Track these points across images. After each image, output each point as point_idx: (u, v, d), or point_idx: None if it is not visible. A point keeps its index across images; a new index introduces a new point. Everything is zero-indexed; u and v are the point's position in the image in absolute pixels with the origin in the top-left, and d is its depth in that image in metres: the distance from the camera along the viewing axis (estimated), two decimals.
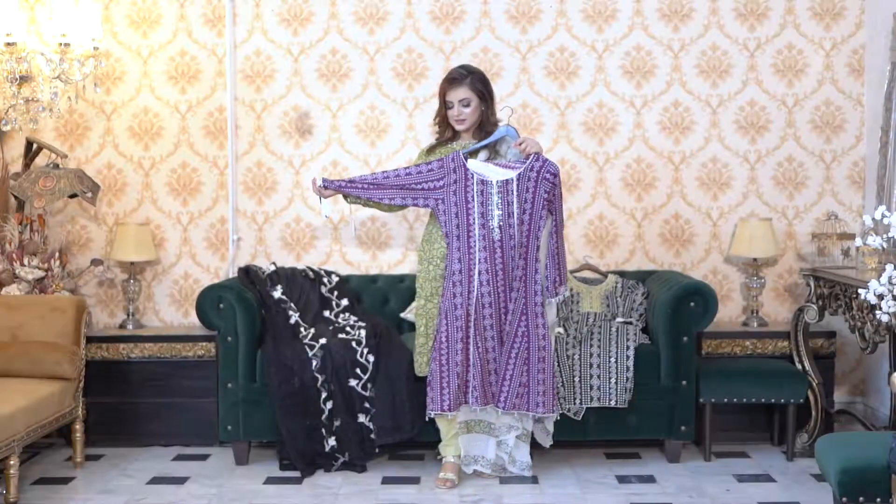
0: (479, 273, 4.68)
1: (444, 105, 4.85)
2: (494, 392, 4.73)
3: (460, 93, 4.80)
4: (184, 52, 5.95)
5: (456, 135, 4.91)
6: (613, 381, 4.98)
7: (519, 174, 4.69)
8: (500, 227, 4.68)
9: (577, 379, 4.99)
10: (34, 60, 5.36)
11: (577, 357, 5.01)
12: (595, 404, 4.99)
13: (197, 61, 5.96)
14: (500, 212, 4.68)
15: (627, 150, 5.94)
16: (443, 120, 4.91)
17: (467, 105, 4.81)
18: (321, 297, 5.56)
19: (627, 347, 5.02)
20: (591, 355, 5.02)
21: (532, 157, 4.71)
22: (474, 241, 4.70)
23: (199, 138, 5.98)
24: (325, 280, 5.64)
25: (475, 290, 4.68)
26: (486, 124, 4.86)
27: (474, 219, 4.70)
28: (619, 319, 5.33)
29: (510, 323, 4.70)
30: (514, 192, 4.68)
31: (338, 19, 5.95)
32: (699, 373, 5.14)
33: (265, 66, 5.96)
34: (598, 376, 5.00)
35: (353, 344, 5.10)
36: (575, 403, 4.98)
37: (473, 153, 4.82)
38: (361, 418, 5.03)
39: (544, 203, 4.70)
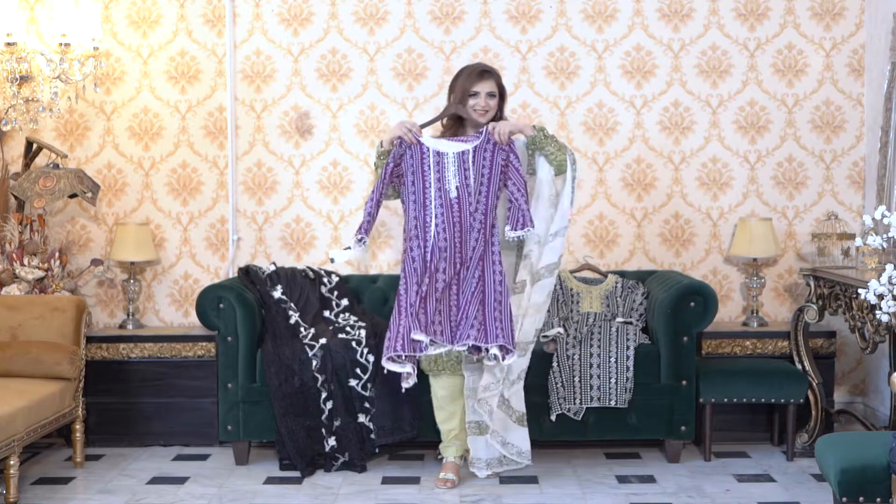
0: (436, 225, 4.67)
1: (467, 96, 4.78)
2: (444, 331, 4.61)
3: (489, 85, 4.79)
4: (184, 52, 5.96)
5: (458, 131, 4.88)
6: (613, 381, 4.98)
7: (475, 146, 4.71)
8: (457, 188, 4.70)
9: (576, 379, 4.99)
10: (34, 60, 5.36)
11: (577, 357, 5.01)
12: (595, 404, 4.99)
13: (197, 61, 5.96)
14: (457, 180, 4.70)
15: (627, 150, 5.94)
16: (452, 117, 4.86)
17: (493, 97, 4.81)
18: (321, 297, 5.56)
19: (627, 347, 5.02)
20: (591, 355, 5.02)
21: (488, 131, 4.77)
22: (430, 200, 4.69)
23: (199, 138, 5.98)
24: (325, 280, 5.64)
25: (430, 241, 4.66)
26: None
27: (430, 182, 4.71)
28: (620, 319, 5.33)
29: (467, 268, 4.67)
30: (471, 162, 4.70)
31: (338, 19, 5.95)
32: (699, 373, 5.14)
33: (265, 66, 5.96)
34: (599, 376, 5.00)
35: (353, 344, 5.10)
36: (575, 403, 4.98)
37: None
38: (361, 418, 5.03)
39: (501, 169, 4.71)
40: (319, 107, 5.98)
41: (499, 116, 4.85)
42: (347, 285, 5.70)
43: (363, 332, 5.17)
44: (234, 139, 5.97)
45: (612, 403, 4.97)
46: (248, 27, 5.95)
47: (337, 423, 5.01)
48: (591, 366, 5.01)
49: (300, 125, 5.97)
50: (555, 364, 4.99)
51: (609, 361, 4.99)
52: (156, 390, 5.56)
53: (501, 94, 4.85)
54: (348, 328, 5.26)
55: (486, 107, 4.79)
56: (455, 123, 4.90)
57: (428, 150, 4.74)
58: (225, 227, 6.00)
